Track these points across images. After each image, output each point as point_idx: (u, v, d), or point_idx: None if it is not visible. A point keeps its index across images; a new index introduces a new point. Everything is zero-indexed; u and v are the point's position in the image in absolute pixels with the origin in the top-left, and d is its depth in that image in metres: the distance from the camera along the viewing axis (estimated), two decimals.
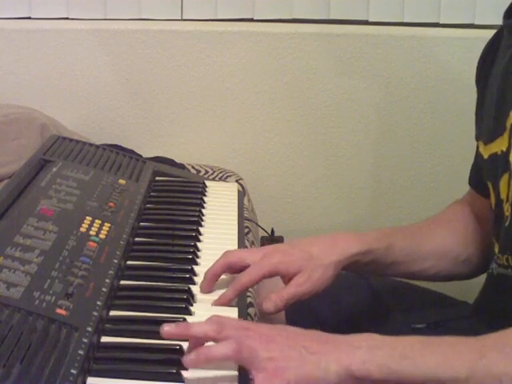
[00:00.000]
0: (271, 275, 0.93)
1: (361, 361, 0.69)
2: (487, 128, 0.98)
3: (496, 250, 0.95)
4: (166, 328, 0.73)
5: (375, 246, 0.99)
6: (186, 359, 0.71)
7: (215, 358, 0.70)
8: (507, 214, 0.90)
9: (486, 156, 0.97)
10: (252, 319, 0.94)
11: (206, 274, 0.92)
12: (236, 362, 0.70)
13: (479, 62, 1.06)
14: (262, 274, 0.91)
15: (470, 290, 1.07)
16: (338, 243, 0.97)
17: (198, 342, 0.74)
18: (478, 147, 1.05)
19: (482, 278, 1.03)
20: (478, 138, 1.03)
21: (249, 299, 0.97)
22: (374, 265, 1.00)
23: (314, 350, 0.70)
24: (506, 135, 0.90)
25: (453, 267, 1.06)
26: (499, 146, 0.93)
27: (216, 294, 0.90)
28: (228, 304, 0.89)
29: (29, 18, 1.65)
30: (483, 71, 1.04)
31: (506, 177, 0.91)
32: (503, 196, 0.92)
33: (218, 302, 0.88)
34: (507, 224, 0.90)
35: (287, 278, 0.93)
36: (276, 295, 0.90)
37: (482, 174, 1.01)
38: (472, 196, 1.10)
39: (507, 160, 0.89)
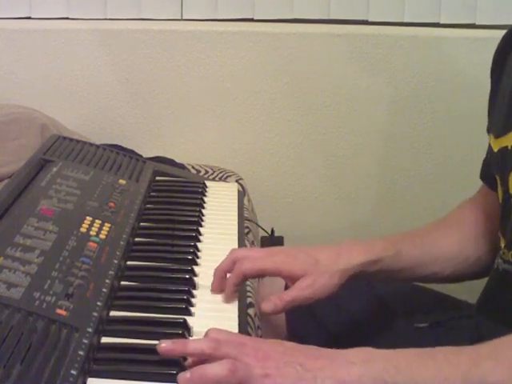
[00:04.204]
0: (273, 273, 0.93)
1: (356, 376, 0.69)
2: (498, 122, 0.97)
3: (502, 245, 0.95)
4: (163, 345, 0.72)
5: (382, 255, 0.98)
6: (180, 377, 0.70)
7: (210, 378, 0.69)
8: None
9: (495, 149, 0.97)
10: (252, 319, 0.94)
11: (215, 272, 0.92)
12: (232, 381, 0.70)
13: (495, 54, 1.05)
14: (264, 268, 0.92)
15: (471, 289, 1.07)
16: (344, 252, 0.97)
17: (196, 359, 0.73)
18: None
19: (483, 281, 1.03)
20: (489, 131, 1.02)
21: (249, 299, 0.97)
22: (382, 273, 1.00)
23: (310, 367, 0.70)
24: None
25: (464, 268, 1.05)
26: (510, 140, 0.92)
27: (218, 297, 0.90)
28: (234, 291, 0.90)
29: (29, 18, 1.65)
30: (498, 65, 1.03)
31: None
32: (511, 191, 0.91)
33: (226, 293, 0.90)
34: None
35: (290, 281, 0.93)
36: (276, 297, 0.90)
37: (492, 167, 1.01)
38: (483, 192, 1.09)
39: None
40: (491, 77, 1.05)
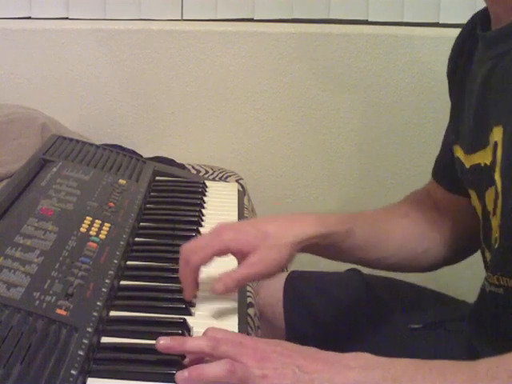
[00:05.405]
0: (222, 252, 0.89)
1: (353, 381, 0.69)
2: (467, 138, 0.95)
3: (487, 257, 0.94)
4: (162, 342, 0.72)
5: (334, 230, 0.95)
6: (178, 376, 0.70)
7: (208, 378, 0.69)
8: (496, 235, 0.88)
9: (467, 165, 0.95)
10: (252, 319, 0.94)
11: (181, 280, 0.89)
12: (230, 381, 0.70)
13: (450, 64, 1.03)
14: (212, 252, 0.88)
15: (469, 290, 1.07)
16: (295, 224, 0.94)
17: (193, 358, 0.74)
18: (444, 144, 1.05)
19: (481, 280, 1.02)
20: (454, 142, 1.00)
21: (249, 299, 0.97)
22: (333, 249, 0.98)
23: (308, 370, 0.70)
24: (489, 150, 0.87)
25: (411, 258, 1.05)
26: (482, 158, 0.90)
27: (218, 297, 0.90)
28: (191, 285, 0.87)
29: (29, 17, 1.65)
30: (456, 76, 1.01)
31: (491, 191, 0.88)
32: (490, 209, 0.90)
33: (185, 288, 0.88)
34: (496, 246, 0.88)
35: (240, 257, 0.90)
36: (226, 276, 0.87)
37: (461, 179, 0.99)
38: (433, 187, 1.09)
39: (492, 175, 0.86)
40: (448, 79, 1.03)
